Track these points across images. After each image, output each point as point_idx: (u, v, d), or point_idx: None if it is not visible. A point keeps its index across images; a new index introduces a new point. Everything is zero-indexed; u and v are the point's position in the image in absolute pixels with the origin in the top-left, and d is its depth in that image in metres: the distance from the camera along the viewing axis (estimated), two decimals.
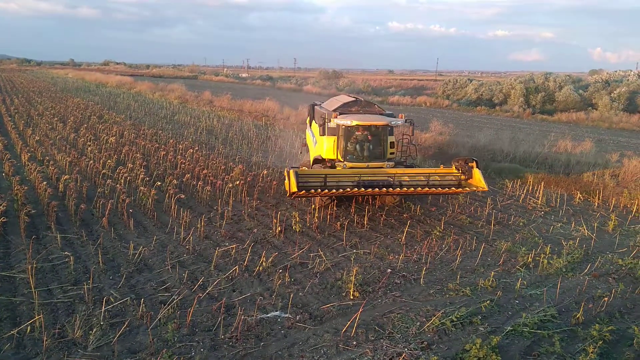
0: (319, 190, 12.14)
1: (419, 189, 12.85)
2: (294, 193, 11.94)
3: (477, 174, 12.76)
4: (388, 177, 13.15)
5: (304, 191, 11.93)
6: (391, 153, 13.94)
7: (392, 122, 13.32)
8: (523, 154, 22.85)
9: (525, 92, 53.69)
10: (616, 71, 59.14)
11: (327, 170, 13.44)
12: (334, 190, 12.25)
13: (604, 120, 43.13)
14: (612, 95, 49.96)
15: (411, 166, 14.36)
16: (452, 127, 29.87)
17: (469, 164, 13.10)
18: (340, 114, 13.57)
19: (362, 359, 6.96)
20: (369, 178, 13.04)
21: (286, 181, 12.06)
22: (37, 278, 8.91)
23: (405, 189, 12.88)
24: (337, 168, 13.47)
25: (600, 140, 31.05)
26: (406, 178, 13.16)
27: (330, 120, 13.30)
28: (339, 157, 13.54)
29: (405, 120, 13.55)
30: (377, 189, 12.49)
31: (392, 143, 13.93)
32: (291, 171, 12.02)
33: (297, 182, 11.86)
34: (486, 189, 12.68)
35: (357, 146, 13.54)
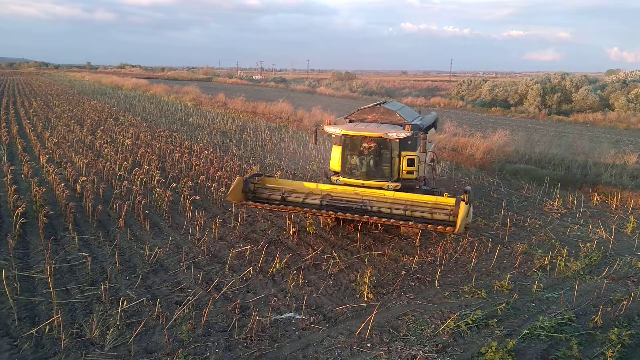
0: (266, 204, 11.33)
1: (392, 220, 10.64)
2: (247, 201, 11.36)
3: (461, 210, 9.77)
4: (360, 199, 11.14)
5: (233, 200, 11.31)
6: (409, 172, 11.88)
7: (390, 135, 11.14)
8: (539, 155, 22.59)
9: (542, 93, 53.10)
10: (633, 71, 58.14)
11: (289, 182, 12.41)
12: (279, 206, 11.32)
13: (621, 121, 42.41)
14: (629, 95, 49.15)
15: (431, 192, 11.84)
16: (467, 127, 29.66)
17: (463, 195, 10.17)
18: (351, 121, 12.56)
19: None
20: (339, 198, 11.33)
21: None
22: (56, 278, 9.05)
23: (376, 217, 10.73)
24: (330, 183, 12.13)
25: (618, 142, 30.55)
26: (403, 205, 10.83)
27: (322, 128, 12.02)
28: (339, 170, 12.21)
29: (413, 133, 11.32)
30: (340, 213, 10.90)
31: (410, 160, 11.82)
32: (239, 177, 11.43)
33: (245, 191, 11.37)
34: (456, 231, 9.79)
35: (358, 160, 11.89)
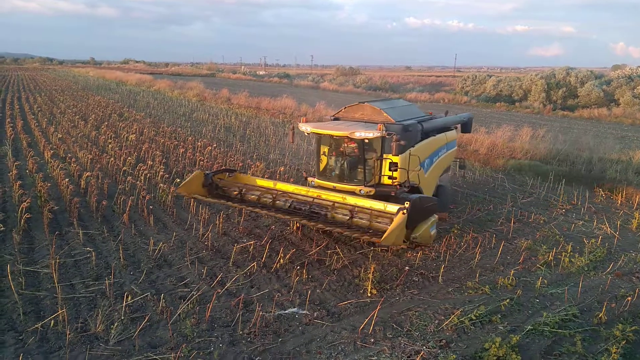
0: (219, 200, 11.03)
1: (318, 225, 9.65)
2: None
3: (396, 221, 8.47)
4: (310, 201, 10.28)
5: (185, 192, 10.98)
6: (391, 177, 10.62)
7: (357, 135, 10.09)
8: (543, 151, 22.52)
9: (547, 88, 52.83)
10: (639, 66, 57.75)
11: (251, 178, 11.84)
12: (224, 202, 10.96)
13: (627, 117, 42.24)
14: (635, 91, 48.86)
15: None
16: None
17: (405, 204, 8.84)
18: (336, 119, 11.87)
19: (380, 356, 6.94)
20: (294, 199, 10.56)
21: None
22: (60, 273, 9.09)
23: (306, 222, 9.92)
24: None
25: (623, 137, 30.41)
26: (349, 211, 9.73)
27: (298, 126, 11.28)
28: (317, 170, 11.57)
29: (388, 133, 10.17)
30: (286, 215, 10.15)
31: (393, 164, 10.52)
32: (198, 171, 11.18)
33: (205, 185, 11.11)
34: (380, 241, 8.37)
35: (334, 161, 11.11)
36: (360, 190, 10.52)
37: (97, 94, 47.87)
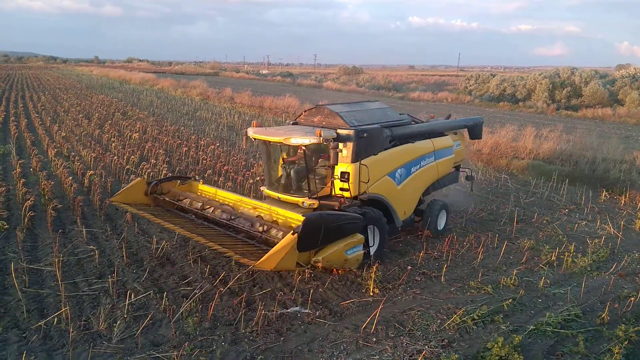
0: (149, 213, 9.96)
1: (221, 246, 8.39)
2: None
3: (281, 243, 7.61)
4: (219, 206, 9.83)
5: (118, 201, 10.45)
6: (342, 189, 9.66)
7: (292, 141, 9.32)
8: (547, 151, 22.47)
9: (551, 88, 52.69)
10: None
11: (195, 186, 11.15)
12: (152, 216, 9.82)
13: (631, 117, 42.06)
14: None
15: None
16: None
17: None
18: (294, 123, 11.07)
19: (382, 355, 6.94)
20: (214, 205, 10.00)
21: None
22: (64, 271, 9.11)
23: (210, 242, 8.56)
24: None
25: (627, 137, 30.30)
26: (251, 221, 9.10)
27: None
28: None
29: (325, 140, 9.18)
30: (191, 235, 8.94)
31: (345, 174, 9.53)
32: (139, 179, 10.71)
33: (147, 194, 10.53)
34: (255, 265, 7.63)
35: (282, 170, 10.47)
36: (302, 202, 9.74)
37: (101, 92, 47.98)
